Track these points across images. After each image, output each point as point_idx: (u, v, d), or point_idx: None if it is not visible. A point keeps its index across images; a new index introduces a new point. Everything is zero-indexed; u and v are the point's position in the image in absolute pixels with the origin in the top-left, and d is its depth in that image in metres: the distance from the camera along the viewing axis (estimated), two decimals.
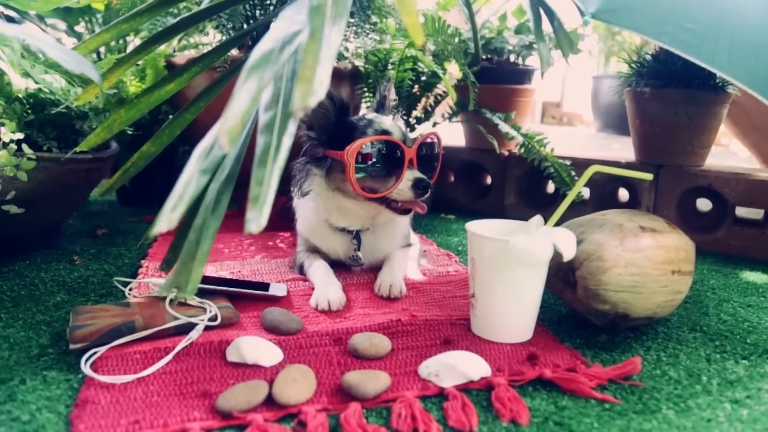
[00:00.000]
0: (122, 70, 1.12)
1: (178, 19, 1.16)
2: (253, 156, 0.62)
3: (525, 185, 2.08)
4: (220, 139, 0.58)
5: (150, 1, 1.16)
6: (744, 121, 2.34)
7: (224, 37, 1.91)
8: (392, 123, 1.31)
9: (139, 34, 2.11)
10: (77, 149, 1.09)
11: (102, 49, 2.16)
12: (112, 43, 2.13)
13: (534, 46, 2.07)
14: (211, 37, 2.26)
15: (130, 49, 2.05)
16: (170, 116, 2.10)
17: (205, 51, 1.38)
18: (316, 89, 0.57)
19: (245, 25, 1.81)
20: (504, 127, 1.87)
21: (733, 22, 1.06)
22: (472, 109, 1.85)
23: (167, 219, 0.62)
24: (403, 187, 1.24)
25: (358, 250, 1.36)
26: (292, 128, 0.63)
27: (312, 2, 0.64)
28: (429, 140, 1.32)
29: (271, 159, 0.62)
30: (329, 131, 1.26)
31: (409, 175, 1.24)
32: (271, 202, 0.60)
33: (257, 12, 1.84)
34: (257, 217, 0.59)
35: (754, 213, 1.70)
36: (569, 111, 6.64)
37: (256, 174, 0.61)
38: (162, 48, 2.04)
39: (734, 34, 1.03)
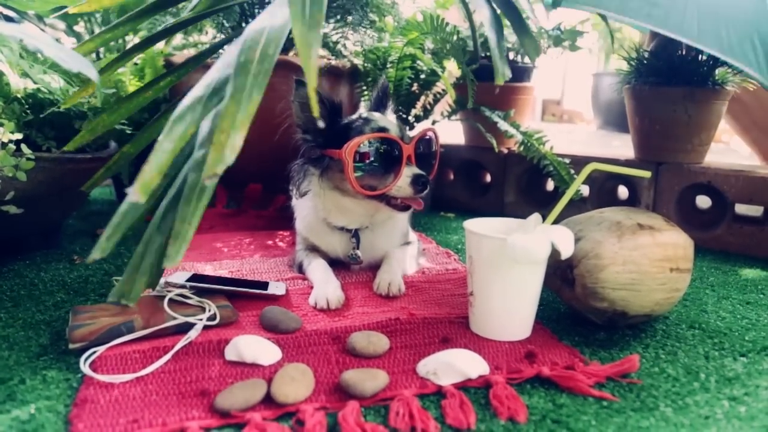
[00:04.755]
0: (117, 68, 1.14)
1: (170, 23, 1.18)
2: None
3: (524, 183, 2.08)
4: (135, 193, 0.62)
5: (150, 1, 1.17)
6: (744, 117, 2.34)
7: (223, 35, 1.92)
8: (389, 120, 1.31)
9: (139, 33, 2.11)
10: (66, 148, 1.13)
11: (101, 49, 2.16)
12: (111, 43, 2.13)
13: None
14: (210, 36, 2.26)
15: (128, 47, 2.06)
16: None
17: (202, 50, 1.39)
18: (227, 156, 0.59)
19: (244, 24, 1.81)
20: (503, 125, 1.87)
21: None
22: (471, 107, 1.85)
23: (101, 248, 0.68)
24: (402, 183, 1.24)
25: (357, 248, 1.36)
26: (220, 170, 0.63)
27: (240, 58, 0.66)
28: (426, 137, 1.32)
29: (196, 198, 0.64)
30: (323, 132, 1.26)
31: (408, 171, 1.24)
32: (188, 242, 0.64)
33: (256, 11, 1.85)
34: (176, 254, 0.62)
35: (754, 210, 1.70)
36: (569, 109, 6.63)
37: (182, 211, 0.64)
38: (161, 47, 2.04)
39: (702, 4, 1.01)
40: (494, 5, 0.97)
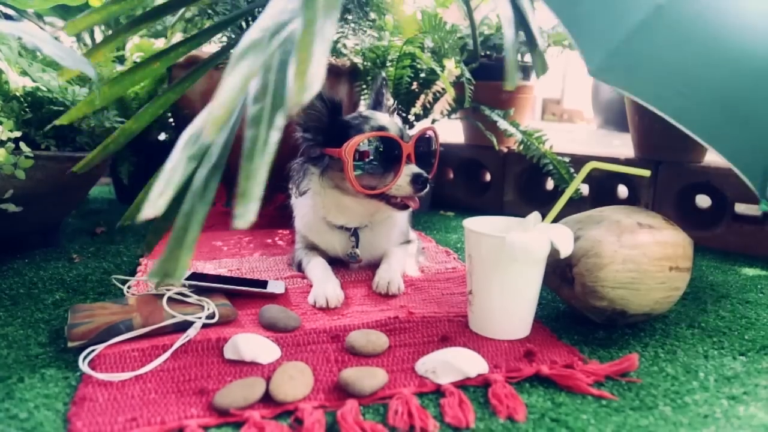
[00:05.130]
0: (109, 48, 1.13)
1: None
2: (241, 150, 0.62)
3: (524, 182, 2.08)
4: (206, 128, 0.58)
5: (155, 4, 1.17)
6: None
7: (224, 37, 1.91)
8: (389, 119, 1.30)
9: (138, 32, 2.11)
10: (56, 122, 1.11)
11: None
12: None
13: None
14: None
15: (128, 46, 2.05)
16: (169, 114, 2.10)
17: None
18: (311, 84, 0.57)
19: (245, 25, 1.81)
20: (503, 124, 1.87)
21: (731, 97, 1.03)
22: (469, 106, 1.85)
23: (154, 205, 0.62)
24: (401, 182, 1.24)
25: (356, 247, 1.36)
26: (280, 122, 0.62)
27: None
28: (426, 135, 1.32)
29: (259, 153, 0.61)
30: (324, 131, 1.26)
31: (408, 170, 1.24)
32: (260, 197, 0.59)
33: (257, 10, 1.84)
34: (245, 213, 0.58)
35: (754, 209, 1.70)
36: (570, 108, 6.62)
37: (244, 168, 0.61)
38: (159, 45, 2.04)
39: (730, 109, 1.01)
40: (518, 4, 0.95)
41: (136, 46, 2.03)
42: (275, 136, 0.62)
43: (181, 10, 1.82)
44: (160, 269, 0.65)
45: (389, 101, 1.41)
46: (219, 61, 1.16)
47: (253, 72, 0.62)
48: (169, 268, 0.65)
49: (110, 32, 2.11)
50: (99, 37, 2.23)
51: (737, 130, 1.00)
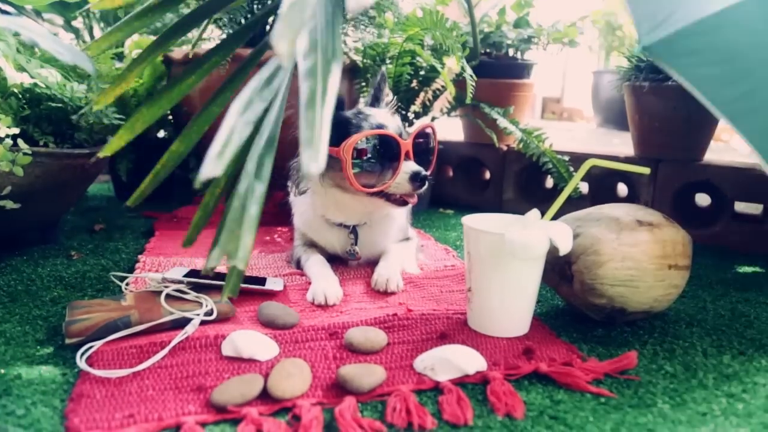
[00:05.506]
0: (107, 42, 1.08)
1: (187, 12, 1.12)
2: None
3: (523, 180, 2.08)
4: (279, 48, 0.56)
5: None
6: None
7: (223, 34, 1.91)
8: (387, 116, 1.30)
9: (140, 30, 2.11)
10: (100, 155, 1.06)
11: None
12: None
13: (533, 40, 2.07)
14: (208, 33, 2.25)
15: (127, 43, 2.05)
16: (168, 113, 2.10)
17: (211, 46, 1.35)
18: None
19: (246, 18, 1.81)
20: (502, 122, 1.87)
21: None
22: (470, 103, 1.84)
23: (214, 164, 0.59)
24: (400, 180, 1.24)
25: (355, 244, 1.35)
26: (336, 72, 0.61)
27: None
28: (424, 132, 1.32)
29: (320, 101, 0.60)
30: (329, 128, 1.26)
31: (406, 167, 1.24)
32: (326, 143, 0.59)
33: (255, 6, 1.84)
34: (314, 157, 0.57)
35: (753, 208, 1.69)
36: (569, 106, 6.62)
37: (306, 117, 0.59)
38: None
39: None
40: None
41: (135, 43, 2.02)
42: (334, 85, 0.61)
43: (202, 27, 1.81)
44: (220, 251, 0.62)
45: (389, 97, 1.40)
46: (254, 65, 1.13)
47: (298, 29, 0.61)
48: (230, 249, 0.62)
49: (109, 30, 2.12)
50: (98, 35, 2.23)
51: None
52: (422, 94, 2.02)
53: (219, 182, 0.96)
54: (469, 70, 1.79)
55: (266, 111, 0.69)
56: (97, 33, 2.23)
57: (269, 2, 1.81)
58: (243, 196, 0.64)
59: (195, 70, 1.05)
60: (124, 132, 1.01)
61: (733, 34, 0.99)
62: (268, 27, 1.79)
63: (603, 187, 1.92)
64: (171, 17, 2.05)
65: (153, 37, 2.08)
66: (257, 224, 0.64)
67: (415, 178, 1.23)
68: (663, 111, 1.69)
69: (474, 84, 1.79)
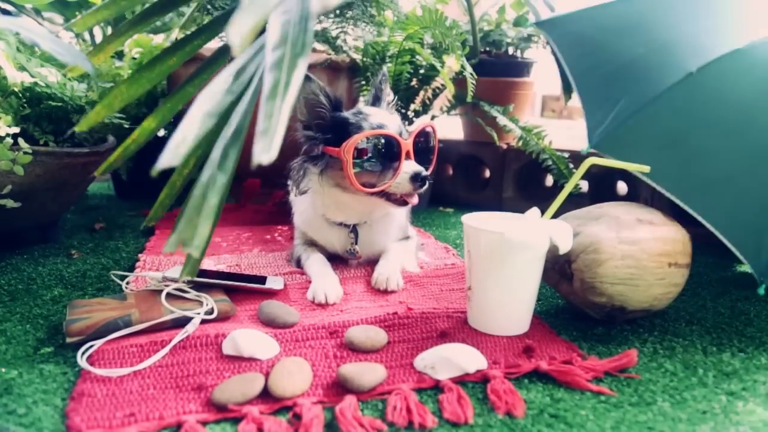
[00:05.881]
0: (111, 48, 1.08)
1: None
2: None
3: (523, 178, 2.08)
4: (232, 38, 0.56)
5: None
6: None
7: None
8: (388, 116, 1.30)
9: (146, 28, 2.10)
10: (76, 129, 1.06)
11: (98, 41, 2.15)
12: (109, 32, 2.13)
13: (533, 38, 2.06)
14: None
15: (127, 42, 2.05)
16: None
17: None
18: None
19: None
20: (502, 120, 1.87)
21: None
22: (470, 101, 1.84)
23: (172, 154, 0.60)
24: (401, 180, 1.23)
25: (356, 243, 1.35)
26: (302, 67, 0.62)
27: None
28: (425, 132, 1.32)
29: (281, 94, 0.60)
30: (325, 129, 1.26)
31: (407, 167, 1.24)
32: (281, 135, 0.59)
33: None
34: (267, 148, 0.57)
35: None
36: (569, 104, 6.62)
37: (265, 108, 0.60)
38: (159, 41, 2.04)
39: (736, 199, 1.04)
40: None
41: (135, 41, 2.02)
42: (297, 79, 0.61)
43: (193, 5, 1.80)
44: (176, 238, 0.63)
45: (389, 96, 1.40)
46: (213, 33, 1.13)
47: (256, 20, 0.61)
48: (186, 236, 0.63)
49: (110, 29, 2.11)
50: (98, 33, 2.23)
51: (734, 207, 1.03)
52: (422, 93, 2.02)
53: (188, 163, 0.96)
54: (469, 69, 1.79)
55: (235, 103, 0.70)
56: (97, 32, 2.23)
57: None
58: (204, 186, 0.64)
59: (176, 52, 1.05)
60: (102, 108, 1.01)
61: (669, 120, 1.09)
62: None
63: (603, 185, 1.92)
64: (171, 17, 2.05)
65: (152, 36, 2.08)
66: (217, 214, 0.64)
67: (416, 178, 1.23)
68: None
69: (474, 82, 1.79)
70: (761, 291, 0.95)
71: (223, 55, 1.08)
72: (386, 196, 1.26)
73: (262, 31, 0.73)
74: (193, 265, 0.77)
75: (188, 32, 1.10)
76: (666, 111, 1.10)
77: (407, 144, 1.24)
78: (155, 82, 1.03)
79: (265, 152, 0.57)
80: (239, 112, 0.70)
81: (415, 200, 1.27)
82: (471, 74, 1.78)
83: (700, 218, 1.02)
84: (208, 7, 1.79)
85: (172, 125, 2.11)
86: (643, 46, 1.19)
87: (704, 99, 1.10)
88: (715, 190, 1.01)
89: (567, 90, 1.63)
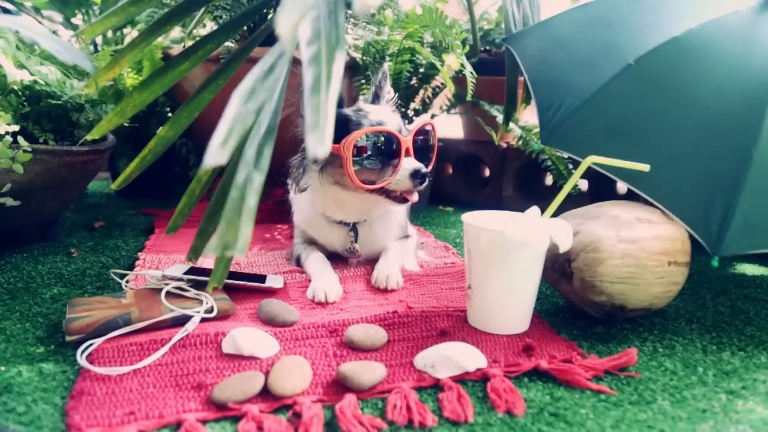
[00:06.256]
0: (127, 60, 1.06)
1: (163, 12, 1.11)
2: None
3: (523, 177, 2.08)
4: (282, 31, 0.57)
5: None
6: None
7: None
8: (387, 113, 1.30)
9: (137, 26, 2.10)
10: (88, 137, 1.05)
11: (99, 41, 2.16)
12: (109, 34, 2.13)
13: None
14: (208, 30, 2.25)
15: (127, 41, 2.05)
16: (167, 109, 2.10)
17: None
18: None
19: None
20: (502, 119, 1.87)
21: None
22: (471, 99, 1.84)
23: (217, 152, 0.59)
24: (401, 177, 1.23)
25: (355, 242, 1.35)
26: (340, 60, 0.62)
27: None
28: (424, 129, 1.32)
29: (324, 87, 0.60)
30: None
31: (407, 164, 1.24)
32: (332, 128, 0.59)
33: None
34: (320, 141, 0.57)
35: None
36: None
37: (311, 102, 0.59)
38: (159, 40, 2.03)
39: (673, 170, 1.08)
40: None
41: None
42: (338, 71, 0.61)
43: (201, 11, 1.80)
44: (220, 241, 0.61)
45: (390, 94, 1.40)
46: (247, 54, 1.12)
47: (301, 13, 0.61)
48: (228, 239, 0.60)
49: (109, 32, 2.11)
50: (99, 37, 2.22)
51: (681, 185, 1.07)
52: (422, 92, 2.02)
53: (207, 171, 0.95)
54: (469, 68, 1.79)
55: (266, 100, 0.69)
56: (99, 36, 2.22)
57: None
58: (242, 186, 0.63)
59: (189, 57, 1.04)
60: (114, 115, 1.00)
61: (611, 110, 1.16)
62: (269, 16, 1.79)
63: (602, 184, 1.92)
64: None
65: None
66: (255, 214, 0.63)
67: (416, 176, 1.23)
68: None
69: (474, 81, 1.79)
70: (714, 263, 0.97)
71: (238, 60, 1.08)
72: (386, 193, 1.26)
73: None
74: (224, 271, 0.77)
75: (187, 30, 1.09)
76: (608, 102, 1.16)
77: (407, 141, 1.24)
78: (167, 87, 1.03)
79: (319, 145, 0.57)
80: (269, 110, 0.69)
81: (415, 197, 1.27)
82: (471, 73, 1.78)
83: (649, 198, 1.06)
84: (213, 12, 1.79)
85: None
86: (588, 47, 1.27)
87: (643, 87, 1.16)
88: (661, 170, 1.04)
89: (527, 99, 1.68)
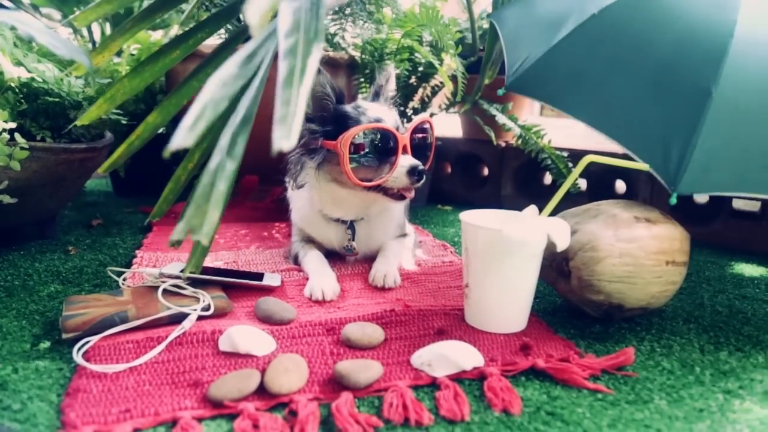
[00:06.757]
0: (117, 45, 1.06)
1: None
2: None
3: (522, 176, 2.08)
4: (250, 18, 0.56)
5: None
6: None
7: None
8: (385, 111, 1.29)
9: (149, 24, 2.10)
10: (77, 123, 1.04)
11: (97, 39, 2.15)
12: (108, 31, 2.12)
13: None
14: None
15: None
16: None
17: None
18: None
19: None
20: (501, 119, 1.87)
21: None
22: (461, 99, 1.84)
23: (185, 134, 0.59)
24: (398, 174, 1.23)
25: (353, 240, 1.35)
26: (317, 53, 0.62)
27: None
28: (422, 127, 1.32)
29: (297, 80, 0.60)
30: (326, 122, 1.25)
31: (404, 161, 1.24)
32: (300, 122, 0.58)
33: None
34: (287, 134, 0.57)
35: (751, 205, 1.69)
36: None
37: (283, 95, 0.59)
38: (157, 37, 2.03)
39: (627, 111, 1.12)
40: None
41: (134, 38, 2.01)
42: (313, 65, 0.61)
43: (193, 2, 1.79)
44: (185, 225, 0.61)
45: (391, 92, 1.39)
46: (238, 43, 1.11)
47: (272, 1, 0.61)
48: (195, 223, 0.61)
49: (108, 26, 2.10)
50: (96, 29, 2.22)
51: (640, 125, 1.08)
52: (420, 91, 2.02)
53: (192, 157, 0.95)
54: (461, 68, 1.78)
55: (245, 89, 0.69)
56: (95, 28, 2.22)
57: None
58: (213, 173, 0.63)
59: (179, 44, 1.04)
60: (104, 101, 1.00)
61: (575, 57, 1.20)
62: None
63: (601, 183, 1.92)
64: (169, 13, 2.04)
65: (151, 33, 2.08)
66: (225, 201, 0.63)
67: (413, 172, 1.23)
68: None
69: (465, 82, 1.79)
70: (673, 200, 0.96)
71: (227, 49, 1.07)
72: (383, 190, 1.26)
73: (273, 17, 0.73)
74: (200, 257, 0.76)
75: (187, 29, 1.09)
76: (571, 50, 1.20)
77: (404, 138, 1.24)
78: (158, 76, 1.02)
79: (285, 139, 0.57)
80: (248, 99, 0.69)
81: (411, 194, 1.27)
82: (462, 74, 1.78)
83: (609, 138, 1.08)
84: (206, 3, 1.79)
85: (171, 122, 2.12)
86: (561, 7, 1.31)
87: (605, 34, 1.19)
88: (621, 113, 1.08)
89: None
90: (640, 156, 1.04)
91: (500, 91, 1.26)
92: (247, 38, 1.02)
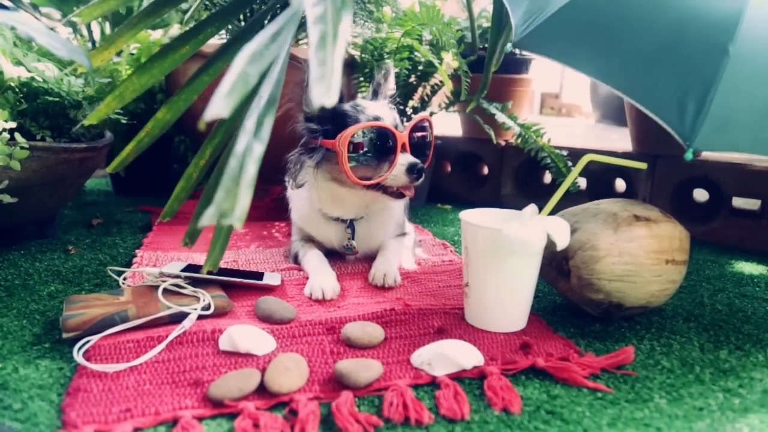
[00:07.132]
0: (120, 43, 1.05)
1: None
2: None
3: (521, 175, 2.08)
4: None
5: None
6: None
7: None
8: (384, 109, 1.29)
9: (152, 23, 2.09)
10: (85, 123, 1.03)
11: (97, 39, 2.15)
12: (107, 31, 2.12)
13: None
14: None
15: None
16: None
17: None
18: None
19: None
20: (501, 117, 1.87)
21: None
22: (465, 99, 1.84)
23: (222, 102, 0.58)
24: (397, 172, 1.23)
25: (353, 239, 1.35)
26: (347, 20, 0.62)
27: None
28: (421, 125, 1.32)
29: (330, 43, 0.60)
30: (325, 120, 1.25)
31: (403, 159, 1.24)
32: (338, 79, 0.58)
33: None
34: (326, 92, 0.56)
35: (751, 204, 1.69)
36: (568, 102, 6.61)
37: (317, 56, 0.59)
38: (157, 37, 2.03)
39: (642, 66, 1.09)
40: None
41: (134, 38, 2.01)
42: (345, 31, 0.61)
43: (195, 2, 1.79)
44: (216, 210, 0.59)
45: (390, 91, 1.39)
46: (249, 37, 1.10)
47: None
48: (226, 207, 0.59)
49: (107, 25, 2.10)
50: (96, 28, 2.22)
51: (655, 81, 1.06)
52: (420, 90, 2.01)
53: (204, 153, 0.94)
54: (464, 67, 1.78)
55: (268, 70, 0.68)
56: (95, 27, 2.22)
57: None
58: (241, 155, 0.62)
59: (189, 40, 1.02)
60: (113, 99, 0.98)
61: (588, 12, 1.17)
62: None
63: (601, 182, 1.92)
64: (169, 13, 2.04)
65: (150, 32, 2.08)
66: (254, 184, 0.62)
67: (412, 170, 1.23)
68: None
69: (469, 81, 1.79)
70: (689, 156, 0.96)
71: (237, 44, 1.06)
72: (383, 189, 1.26)
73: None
74: (225, 240, 0.76)
75: (188, 28, 1.08)
76: (585, 5, 1.17)
77: (403, 136, 1.24)
78: (167, 72, 1.00)
79: (325, 96, 0.56)
80: (272, 78, 0.68)
81: (411, 192, 1.27)
82: (465, 72, 1.78)
83: (623, 95, 1.07)
84: (207, 3, 1.79)
85: (174, 127, 2.12)
86: None
87: None
88: (635, 69, 1.07)
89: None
90: (656, 112, 1.02)
91: (507, 48, 1.22)
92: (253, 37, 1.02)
